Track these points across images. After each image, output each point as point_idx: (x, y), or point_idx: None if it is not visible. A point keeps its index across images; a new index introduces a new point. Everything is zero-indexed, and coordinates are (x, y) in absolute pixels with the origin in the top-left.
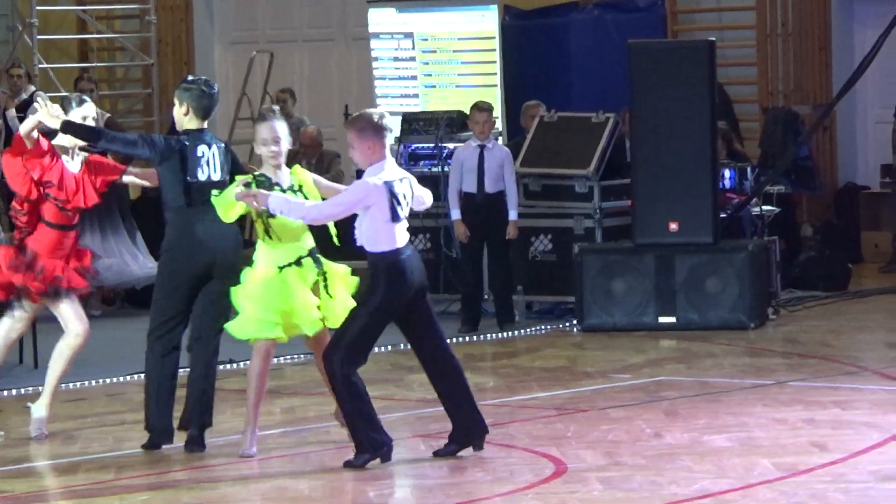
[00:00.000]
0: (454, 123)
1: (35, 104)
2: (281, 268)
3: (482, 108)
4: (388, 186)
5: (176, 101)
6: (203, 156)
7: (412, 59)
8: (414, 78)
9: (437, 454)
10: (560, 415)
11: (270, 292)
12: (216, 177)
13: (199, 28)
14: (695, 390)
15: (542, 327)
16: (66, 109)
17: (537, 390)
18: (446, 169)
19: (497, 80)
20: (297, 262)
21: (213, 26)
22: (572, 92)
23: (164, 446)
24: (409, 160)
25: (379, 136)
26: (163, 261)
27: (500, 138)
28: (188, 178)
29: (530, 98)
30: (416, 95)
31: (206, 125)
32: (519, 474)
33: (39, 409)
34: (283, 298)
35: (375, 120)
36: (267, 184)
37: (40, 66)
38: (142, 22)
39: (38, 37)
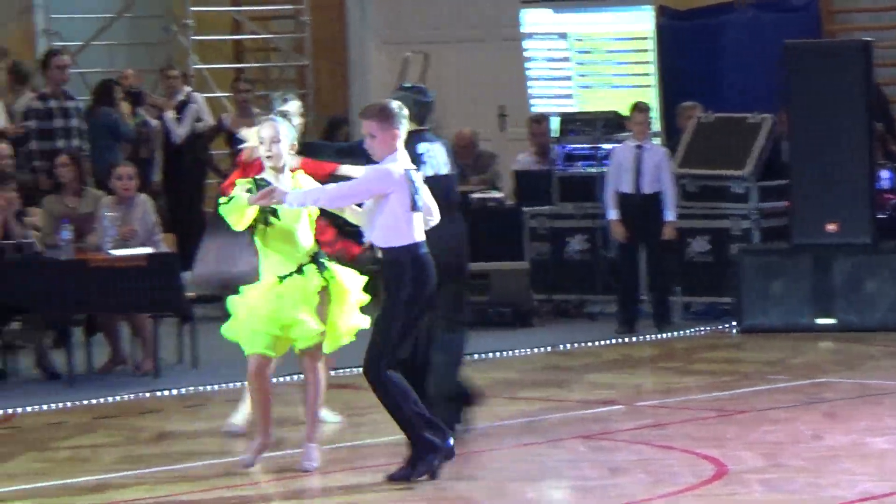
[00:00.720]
0: (611, 124)
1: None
2: (281, 278)
3: (641, 108)
4: (408, 174)
5: None
6: (426, 151)
7: (566, 59)
8: (568, 78)
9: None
10: (719, 416)
11: (268, 305)
12: (442, 171)
13: (352, 28)
14: (855, 392)
15: (700, 328)
16: (271, 107)
17: (696, 392)
18: (603, 169)
19: (652, 80)
20: (299, 271)
21: (367, 26)
22: (728, 92)
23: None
24: (565, 161)
25: (399, 127)
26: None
27: (658, 139)
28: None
29: (686, 98)
30: (570, 96)
31: (425, 127)
32: (679, 476)
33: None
34: (280, 312)
35: (397, 110)
36: (267, 188)
37: (195, 66)
38: (296, 22)
39: (193, 38)
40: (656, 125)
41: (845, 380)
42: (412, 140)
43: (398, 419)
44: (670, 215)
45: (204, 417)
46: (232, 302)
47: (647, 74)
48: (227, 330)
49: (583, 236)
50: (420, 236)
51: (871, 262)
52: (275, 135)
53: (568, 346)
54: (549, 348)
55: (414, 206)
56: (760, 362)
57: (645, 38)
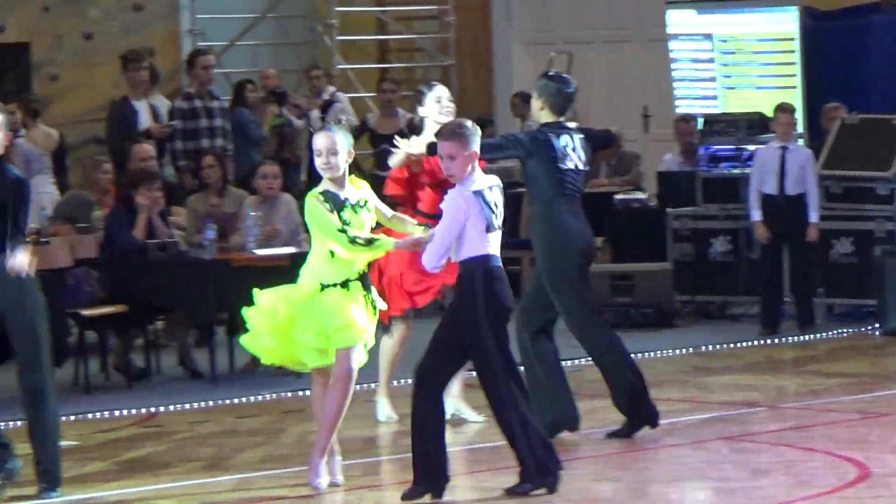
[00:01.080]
0: (755, 125)
1: (398, 142)
2: (324, 286)
3: (786, 109)
4: (480, 195)
5: (534, 94)
6: (567, 145)
7: (711, 60)
8: (712, 79)
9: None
10: (863, 419)
11: (305, 311)
12: (581, 166)
13: (497, 28)
14: None
15: (843, 330)
16: (420, 99)
17: (838, 394)
18: (747, 171)
19: (796, 81)
20: (344, 285)
21: (511, 26)
22: (873, 94)
23: None
24: (709, 162)
25: (476, 146)
26: (546, 258)
27: (802, 140)
28: (559, 166)
29: (830, 100)
30: (714, 97)
31: (563, 119)
32: (822, 478)
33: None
34: (324, 322)
35: (472, 129)
36: (336, 201)
37: (339, 67)
38: (440, 22)
39: (338, 38)
40: (800, 126)
41: None
42: (551, 131)
43: (415, 437)
44: (814, 217)
45: (346, 417)
46: (261, 312)
47: (791, 76)
48: (248, 343)
49: (726, 237)
50: (494, 250)
51: None
52: (331, 146)
53: (710, 347)
54: (691, 349)
55: (489, 228)
56: None
57: (790, 40)
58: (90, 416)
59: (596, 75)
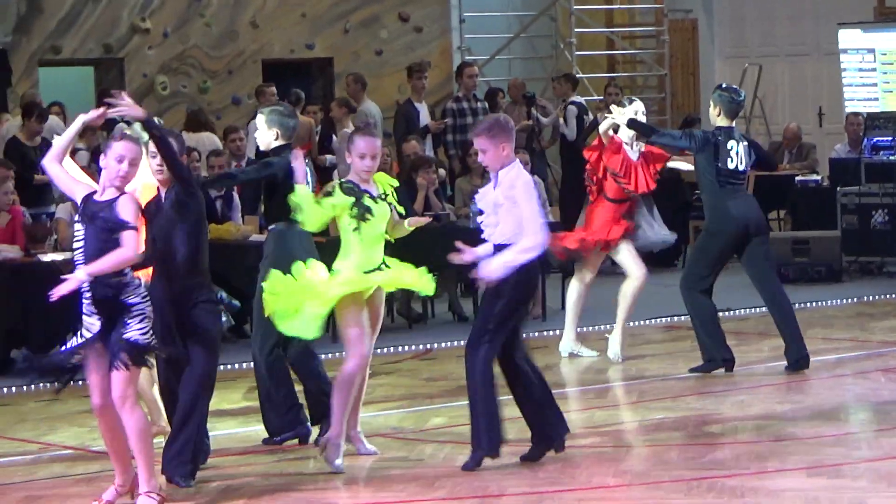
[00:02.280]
0: None
1: (613, 108)
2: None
3: None
4: (534, 181)
5: (711, 103)
6: (732, 148)
7: (873, 69)
8: (874, 84)
9: (523, 458)
10: None
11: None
12: (741, 167)
13: (703, 45)
14: None
15: None
16: (622, 105)
17: None
18: None
19: None
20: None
21: (714, 43)
22: None
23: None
24: (871, 150)
25: (509, 137)
26: (706, 233)
27: None
28: (719, 164)
29: None
30: (876, 98)
31: (734, 124)
32: None
33: (613, 345)
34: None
35: (503, 121)
36: (356, 190)
37: (578, 76)
38: (657, 40)
39: (576, 53)
40: None
41: None
42: (722, 135)
43: (474, 401)
44: None
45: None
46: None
47: None
48: (292, 328)
49: (885, 211)
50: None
51: None
52: (374, 151)
53: (871, 298)
54: (855, 300)
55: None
56: None
57: None
58: (378, 351)
59: (781, 82)
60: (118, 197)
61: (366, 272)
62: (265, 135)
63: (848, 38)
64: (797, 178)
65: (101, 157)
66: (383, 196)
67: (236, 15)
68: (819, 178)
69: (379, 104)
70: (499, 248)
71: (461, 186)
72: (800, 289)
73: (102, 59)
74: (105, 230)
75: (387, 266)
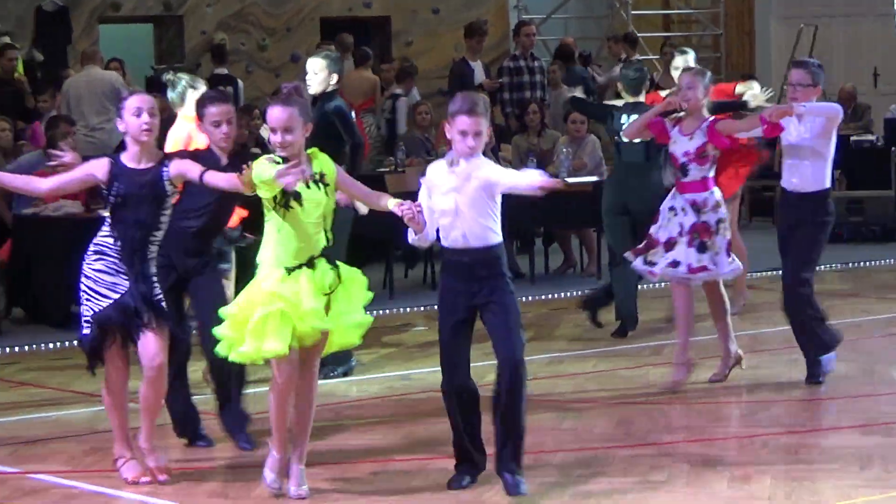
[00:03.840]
0: None
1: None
2: (289, 270)
3: None
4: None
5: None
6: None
7: None
8: None
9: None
10: None
11: (283, 300)
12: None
13: (758, 5)
14: None
15: None
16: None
17: None
18: None
19: None
20: (309, 264)
21: (769, 3)
22: None
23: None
24: None
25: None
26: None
27: None
28: None
29: None
30: None
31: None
32: None
33: None
34: (297, 305)
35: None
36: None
37: (635, 35)
38: (712, 0)
39: (632, 12)
40: None
41: None
42: None
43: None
44: None
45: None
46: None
47: None
48: (230, 350)
49: None
50: None
51: None
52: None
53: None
54: None
55: None
56: None
57: None
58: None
59: (836, 43)
60: (161, 167)
61: (290, 268)
62: (324, 79)
63: None
64: (852, 139)
65: (117, 121)
66: (317, 178)
67: None
68: (874, 138)
69: (435, 62)
70: None
71: (518, 144)
72: (854, 248)
73: (162, 16)
74: (162, 197)
75: (332, 266)
